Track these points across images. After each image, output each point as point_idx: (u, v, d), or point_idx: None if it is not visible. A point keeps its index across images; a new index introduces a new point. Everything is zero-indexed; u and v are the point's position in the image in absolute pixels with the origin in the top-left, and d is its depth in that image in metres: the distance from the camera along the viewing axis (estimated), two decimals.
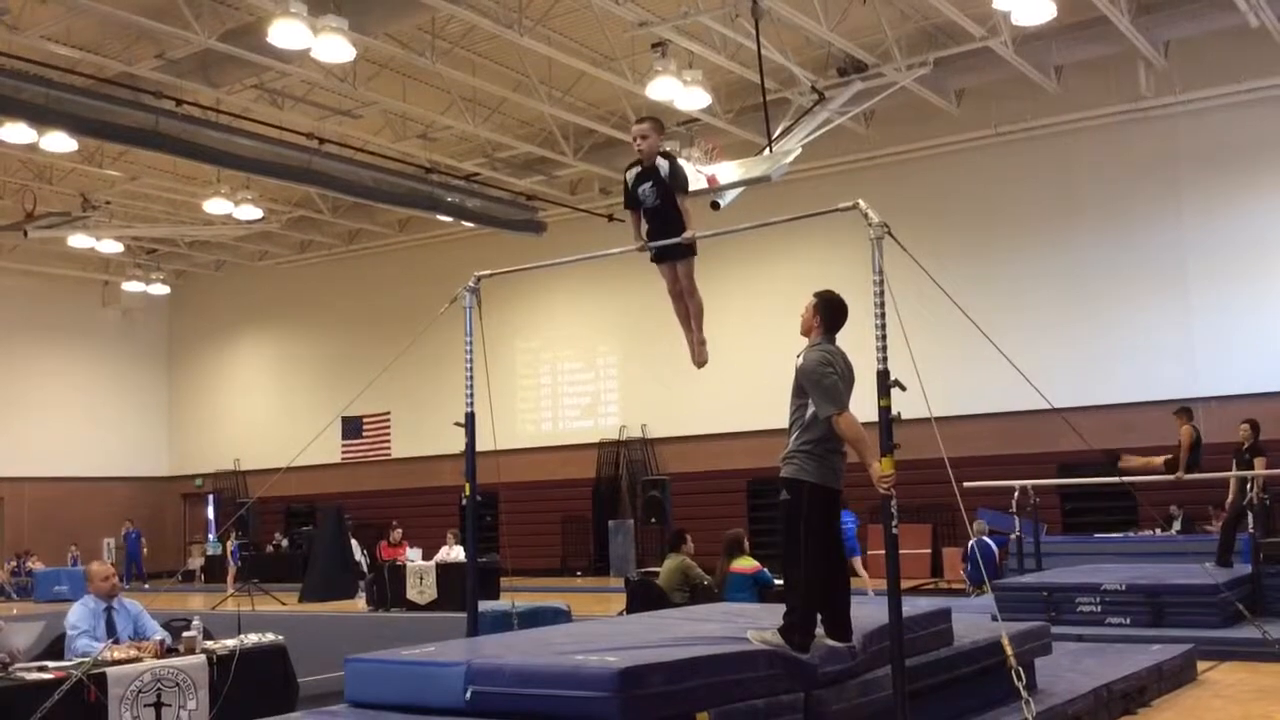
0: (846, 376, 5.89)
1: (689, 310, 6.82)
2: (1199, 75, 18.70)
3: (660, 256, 6.74)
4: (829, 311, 6.02)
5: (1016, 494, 15.41)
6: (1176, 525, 17.97)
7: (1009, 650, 5.79)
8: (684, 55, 16.87)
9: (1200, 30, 17.73)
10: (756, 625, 5.83)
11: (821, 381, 5.76)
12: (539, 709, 4.85)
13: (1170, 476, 12.98)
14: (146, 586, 25.06)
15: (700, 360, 6.89)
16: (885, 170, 21.37)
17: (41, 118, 16.59)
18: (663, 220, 6.65)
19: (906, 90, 18.50)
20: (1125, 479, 13.94)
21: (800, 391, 5.88)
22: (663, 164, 6.56)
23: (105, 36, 16.72)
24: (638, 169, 6.65)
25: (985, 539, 15.46)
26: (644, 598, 10.95)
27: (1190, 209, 19.55)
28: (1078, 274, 20.24)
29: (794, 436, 5.86)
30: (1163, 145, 19.66)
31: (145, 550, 28.12)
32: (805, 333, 6.08)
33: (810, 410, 5.79)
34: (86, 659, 6.65)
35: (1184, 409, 13.49)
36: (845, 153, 21.13)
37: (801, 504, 5.77)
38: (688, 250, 6.65)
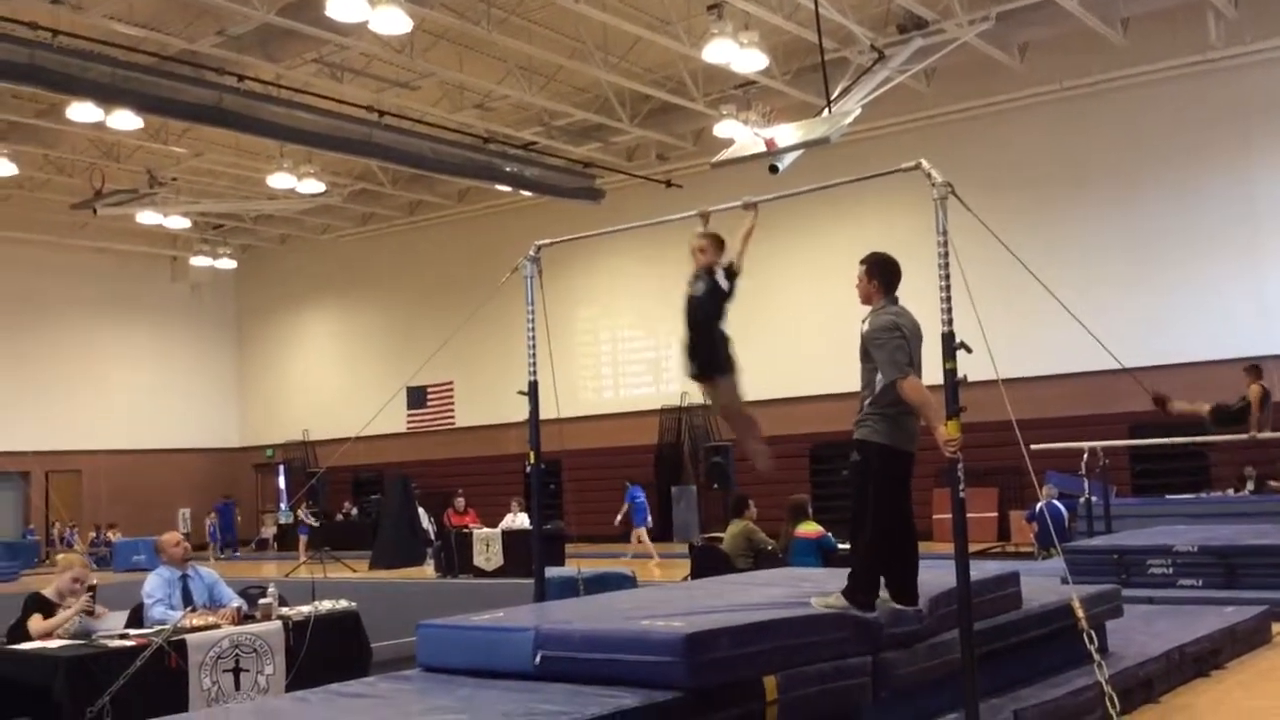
0: (913, 337, 5.84)
1: (743, 428, 6.63)
2: (1270, 24, 18.17)
3: (698, 376, 6.51)
4: (883, 272, 5.97)
5: (1086, 456, 15.21)
6: (1250, 486, 17.63)
7: (1080, 613, 5.72)
8: (740, 16, 16.71)
9: None
10: (821, 590, 5.83)
11: (885, 346, 5.72)
12: (607, 673, 4.89)
13: (1244, 436, 12.73)
14: (220, 556, 25.72)
15: (765, 467, 6.67)
16: (947, 129, 21.05)
17: (107, 96, 16.86)
18: (700, 330, 6.43)
19: (968, 46, 18.17)
20: (1184, 439, 13.75)
21: (868, 356, 5.86)
22: (717, 278, 6.37)
23: (167, 14, 16.93)
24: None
25: (1054, 501, 15.29)
26: (709, 563, 10.98)
27: (1262, 161, 19.07)
28: (1146, 230, 19.84)
29: (866, 400, 5.86)
30: (1233, 97, 19.16)
31: (240, 520, 28.97)
32: (866, 300, 6.03)
33: (880, 374, 5.77)
34: (165, 626, 6.82)
35: (1253, 366, 13.22)
36: (906, 112, 20.83)
37: (871, 465, 5.77)
38: (726, 369, 6.43)
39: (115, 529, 27.46)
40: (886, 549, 5.78)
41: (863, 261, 6.06)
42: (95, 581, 7.48)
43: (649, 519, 21.00)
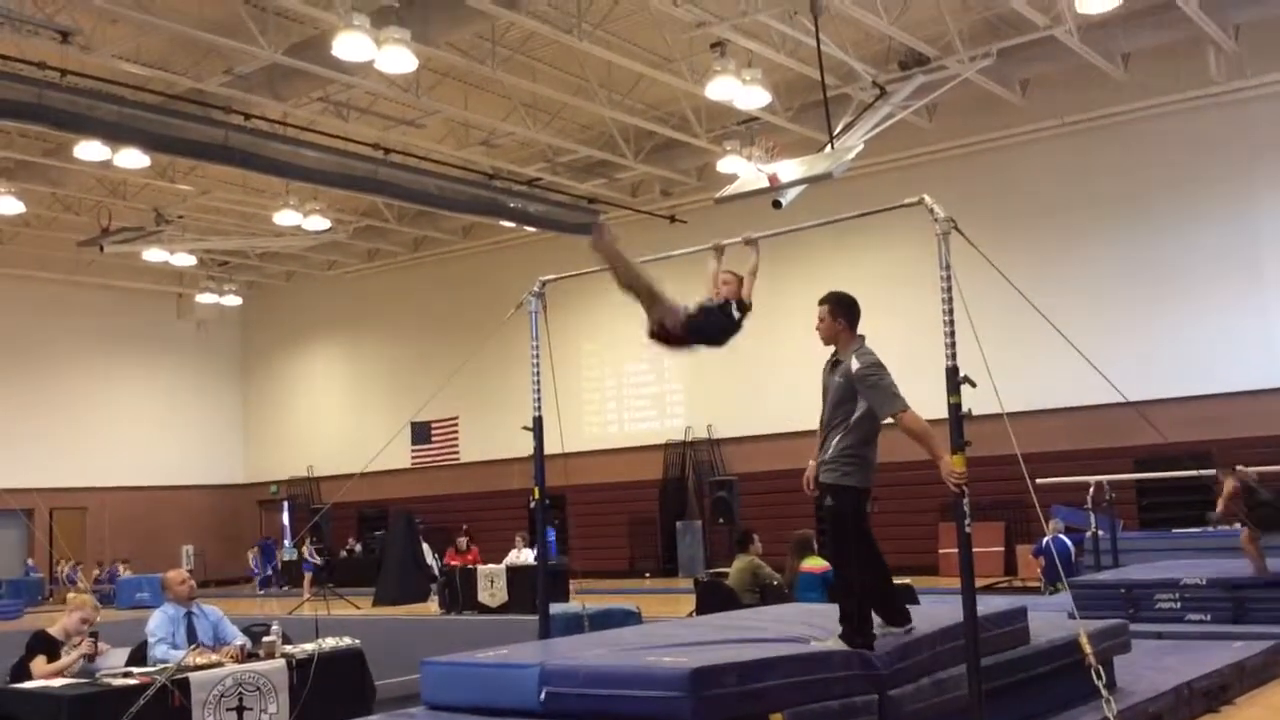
0: None
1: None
2: (1271, 58, 18.26)
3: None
4: (848, 311, 5.99)
5: (1092, 489, 15.18)
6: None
7: (1088, 648, 5.70)
8: (743, 54, 16.83)
9: (1271, 12, 17.33)
10: (823, 632, 5.82)
11: (881, 381, 5.74)
12: (612, 709, 4.87)
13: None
14: (261, 592, 25.49)
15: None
16: (950, 164, 21.13)
17: (115, 135, 16.99)
18: (690, 338, 6.40)
19: (970, 82, 18.27)
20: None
21: (847, 398, 5.83)
22: (730, 308, 6.41)
23: (174, 54, 17.08)
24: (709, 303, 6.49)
25: (1061, 536, 15.23)
26: (714, 598, 10.93)
27: (1265, 195, 19.09)
28: (1150, 264, 19.84)
29: (835, 441, 5.86)
30: (1235, 131, 19.22)
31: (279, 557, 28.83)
32: (830, 341, 6.03)
33: (856, 415, 5.78)
34: (169, 664, 6.79)
35: (1232, 467, 11.95)
36: (908, 147, 20.92)
37: (848, 508, 5.83)
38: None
39: (128, 564, 27.37)
40: (874, 586, 5.82)
41: (823, 301, 6.05)
42: (99, 622, 7.47)
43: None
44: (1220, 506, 11.19)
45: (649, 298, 6.11)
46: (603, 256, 6.14)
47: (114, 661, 7.30)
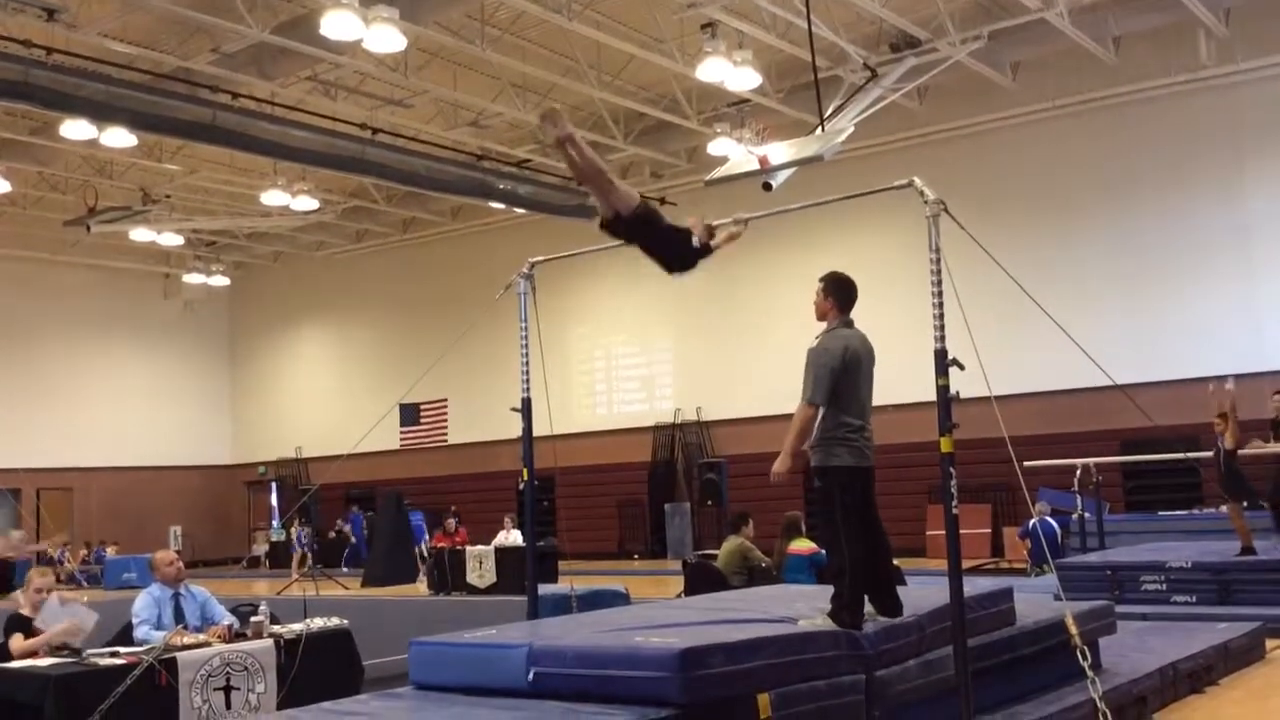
0: (866, 358, 5.93)
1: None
2: (1261, 43, 18.28)
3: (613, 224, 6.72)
4: (839, 291, 6.06)
5: (1078, 472, 15.24)
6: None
7: (1073, 630, 5.73)
8: (734, 35, 16.77)
9: None
10: (810, 611, 5.83)
11: (812, 368, 5.88)
12: (601, 689, 4.88)
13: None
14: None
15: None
16: (940, 146, 21.11)
17: (101, 114, 16.86)
18: (656, 239, 6.74)
19: (961, 65, 18.25)
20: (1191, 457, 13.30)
21: None
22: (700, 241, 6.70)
23: (161, 32, 16.97)
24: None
25: (1047, 518, 15.30)
26: (702, 580, 10.97)
27: (1253, 178, 19.14)
28: (1139, 247, 19.90)
29: (819, 422, 5.93)
30: (1224, 115, 19.25)
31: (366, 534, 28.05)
32: (821, 317, 6.13)
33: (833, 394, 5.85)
34: (156, 644, 6.79)
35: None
36: (899, 130, 20.88)
37: (834, 488, 5.87)
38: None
39: (116, 545, 27.27)
40: (865, 565, 5.81)
41: (821, 280, 6.15)
42: (85, 600, 7.47)
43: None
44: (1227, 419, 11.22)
45: (606, 184, 6.46)
46: (563, 143, 6.31)
47: (82, 616, 7.29)
